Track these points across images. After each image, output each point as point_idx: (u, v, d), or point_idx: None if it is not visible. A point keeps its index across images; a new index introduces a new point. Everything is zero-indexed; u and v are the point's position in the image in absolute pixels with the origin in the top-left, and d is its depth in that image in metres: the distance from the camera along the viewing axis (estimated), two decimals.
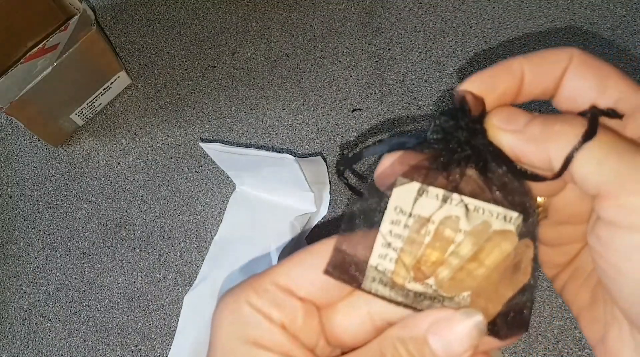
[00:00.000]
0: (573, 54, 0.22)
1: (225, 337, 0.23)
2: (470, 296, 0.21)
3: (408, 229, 0.21)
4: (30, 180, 0.54)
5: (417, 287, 0.21)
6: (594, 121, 0.20)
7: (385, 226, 0.22)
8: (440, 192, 0.22)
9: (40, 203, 0.54)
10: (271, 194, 0.51)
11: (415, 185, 0.22)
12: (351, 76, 0.56)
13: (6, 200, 0.54)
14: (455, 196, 0.21)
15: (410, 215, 0.22)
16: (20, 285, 0.52)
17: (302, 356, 0.22)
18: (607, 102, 0.21)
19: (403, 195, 0.22)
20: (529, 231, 0.22)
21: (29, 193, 0.54)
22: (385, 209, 0.22)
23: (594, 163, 0.20)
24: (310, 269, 0.23)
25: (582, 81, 0.22)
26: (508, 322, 0.21)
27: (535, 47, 0.56)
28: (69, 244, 0.53)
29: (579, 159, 0.20)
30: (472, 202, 0.22)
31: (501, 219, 0.21)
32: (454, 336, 0.21)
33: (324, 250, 0.22)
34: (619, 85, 0.21)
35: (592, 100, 0.21)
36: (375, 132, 0.54)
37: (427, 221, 0.21)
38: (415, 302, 0.21)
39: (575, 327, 0.49)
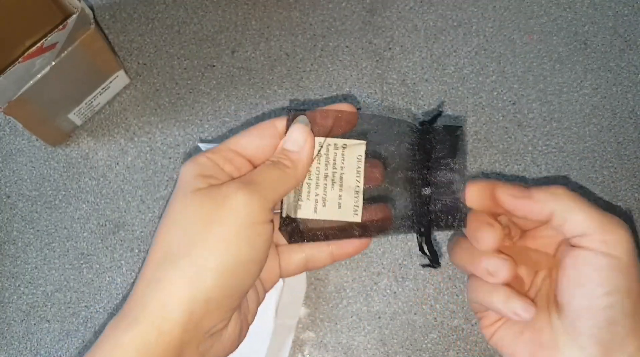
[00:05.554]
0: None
1: (184, 175, 0.32)
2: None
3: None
4: (28, 180, 0.54)
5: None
6: None
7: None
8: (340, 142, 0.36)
9: (39, 203, 0.53)
10: None
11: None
12: (351, 75, 0.56)
13: (4, 200, 0.53)
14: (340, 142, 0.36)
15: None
16: (18, 286, 0.52)
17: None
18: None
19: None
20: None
21: (27, 193, 0.54)
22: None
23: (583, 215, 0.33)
24: (253, 137, 0.33)
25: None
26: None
27: (537, 46, 0.56)
28: (67, 244, 0.53)
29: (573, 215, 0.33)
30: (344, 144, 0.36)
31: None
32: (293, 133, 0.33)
33: (265, 124, 0.34)
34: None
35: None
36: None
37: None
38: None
39: None
